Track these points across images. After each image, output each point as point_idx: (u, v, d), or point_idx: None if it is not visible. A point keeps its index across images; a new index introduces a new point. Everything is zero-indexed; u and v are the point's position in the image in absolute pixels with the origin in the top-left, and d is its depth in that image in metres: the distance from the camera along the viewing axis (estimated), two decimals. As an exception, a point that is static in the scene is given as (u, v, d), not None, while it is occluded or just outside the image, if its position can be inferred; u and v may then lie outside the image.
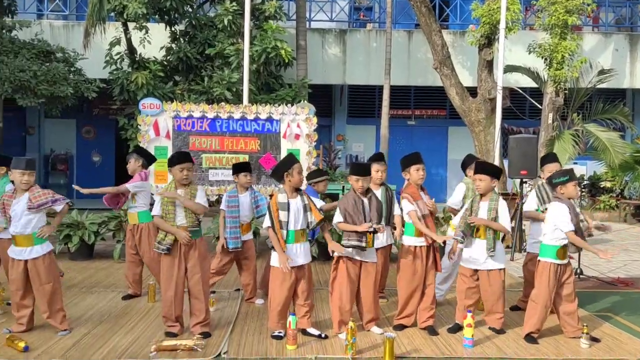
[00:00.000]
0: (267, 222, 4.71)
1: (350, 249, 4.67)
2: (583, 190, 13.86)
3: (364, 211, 4.69)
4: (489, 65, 11.85)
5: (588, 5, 11.45)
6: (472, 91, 12.18)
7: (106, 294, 6.03)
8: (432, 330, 4.88)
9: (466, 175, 5.88)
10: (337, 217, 4.74)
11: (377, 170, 5.48)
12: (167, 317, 4.78)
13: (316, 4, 14.58)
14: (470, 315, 4.56)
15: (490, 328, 4.97)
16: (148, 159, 6.19)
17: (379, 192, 5.28)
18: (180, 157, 4.78)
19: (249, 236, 5.88)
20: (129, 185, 5.90)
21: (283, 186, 4.78)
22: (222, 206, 5.76)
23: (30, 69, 10.19)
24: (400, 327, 4.94)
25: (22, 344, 4.39)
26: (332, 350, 4.44)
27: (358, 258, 4.74)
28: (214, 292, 5.65)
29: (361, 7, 15.35)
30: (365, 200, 4.74)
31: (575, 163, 12.99)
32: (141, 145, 7.88)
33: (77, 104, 12.24)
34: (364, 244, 4.63)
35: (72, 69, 11.25)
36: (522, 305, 5.43)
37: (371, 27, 14.81)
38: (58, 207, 4.82)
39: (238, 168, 5.88)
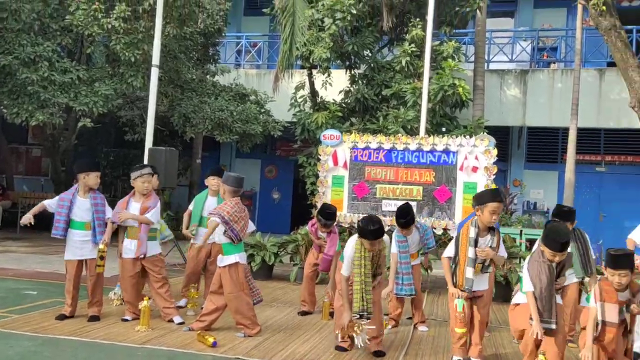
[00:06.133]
0: (448, 252, 4.53)
1: None
2: None
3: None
4: (700, 102, 10.38)
5: None
6: (678, 133, 10.75)
7: (284, 309, 6.31)
8: None
9: None
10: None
11: None
12: (341, 332, 4.79)
13: (496, 46, 14.28)
14: None
15: None
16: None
17: None
18: (370, 234, 4.55)
19: (416, 262, 5.77)
20: None
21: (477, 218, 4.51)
22: (394, 250, 5.62)
23: (228, 108, 11.43)
24: None
25: (211, 340, 4.74)
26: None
27: None
28: (386, 314, 5.57)
29: (545, 47, 14.63)
30: None
31: None
32: (320, 174, 8.27)
33: (264, 142, 13.35)
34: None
35: (262, 110, 12.39)
36: None
37: (556, 66, 14.01)
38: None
39: (404, 225, 5.56)
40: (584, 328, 4.53)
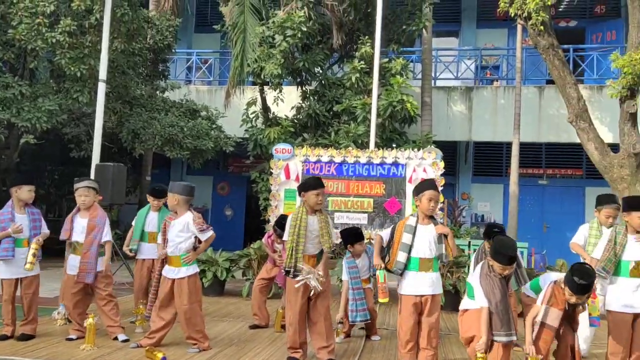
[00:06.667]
0: (384, 233, 4.67)
1: None
2: None
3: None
4: (633, 118, 10.99)
5: None
6: (613, 148, 11.33)
7: (236, 323, 6.25)
8: None
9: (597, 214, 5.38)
10: None
11: None
12: (293, 345, 4.79)
13: (442, 64, 14.75)
14: None
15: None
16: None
17: None
18: (317, 183, 4.88)
19: (367, 286, 5.81)
20: None
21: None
22: (345, 277, 5.69)
23: (178, 124, 11.31)
24: None
25: (160, 355, 4.64)
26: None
27: None
28: (341, 322, 5.60)
29: (488, 65, 15.24)
30: None
31: None
32: (272, 188, 8.28)
33: (216, 158, 13.25)
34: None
35: (214, 125, 12.31)
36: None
37: (498, 84, 14.59)
38: (204, 236, 5.11)
39: (352, 238, 5.72)
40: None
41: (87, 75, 9.88)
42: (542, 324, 4.10)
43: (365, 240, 6.31)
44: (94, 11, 9.64)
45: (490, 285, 4.12)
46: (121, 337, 5.26)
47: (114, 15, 9.46)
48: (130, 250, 6.13)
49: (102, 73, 8.80)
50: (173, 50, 13.49)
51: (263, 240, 6.53)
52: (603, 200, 5.28)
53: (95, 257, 5.25)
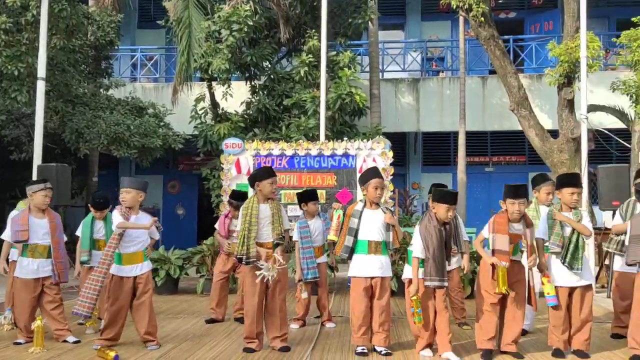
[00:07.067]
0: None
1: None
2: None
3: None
4: (570, 104, 11.51)
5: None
6: (553, 134, 11.83)
7: (191, 319, 6.19)
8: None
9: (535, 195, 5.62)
10: None
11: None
12: (249, 335, 4.80)
13: (389, 56, 14.97)
14: None
15: (575, 351, 4.61)
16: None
17: None
18: (270, 172, 4.94)
19: (322, 259, 5.90)
20: None
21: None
22: (295, 237, 5.78)
23: (125, 122, 11.04)
24: None
25: (112, 354, 4.55)
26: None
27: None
28: (300, 281, 5.68)
29: (433, 57, 15.59)
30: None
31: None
32: (223, 183, 8.24)
33: (166, 156, 13.01)
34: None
35: (161, 123, 12.08)
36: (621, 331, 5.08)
37: (444, 75, 14.94)
38: (158, 235, 5.29)
39: (306, 197, 5.91)
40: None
41: (25, 73, 9.51)
42: (493, 251, 4.46)
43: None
44: (30, 7, 9.30)
45: (428, 233, 4.42)
46: (71, 339, 5.14)
47: (51, 11, 9.14)
48: (85, 263, 5.92)
49: (41, 71, 8.51)
50: (116, 47, 13.14)
51: (217, 225, 6.40)
52: (539, 180, 5.52)
53: (66, 255, 5.29)
